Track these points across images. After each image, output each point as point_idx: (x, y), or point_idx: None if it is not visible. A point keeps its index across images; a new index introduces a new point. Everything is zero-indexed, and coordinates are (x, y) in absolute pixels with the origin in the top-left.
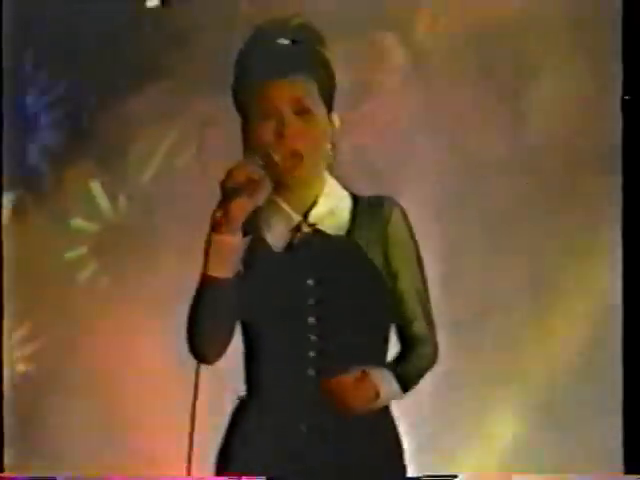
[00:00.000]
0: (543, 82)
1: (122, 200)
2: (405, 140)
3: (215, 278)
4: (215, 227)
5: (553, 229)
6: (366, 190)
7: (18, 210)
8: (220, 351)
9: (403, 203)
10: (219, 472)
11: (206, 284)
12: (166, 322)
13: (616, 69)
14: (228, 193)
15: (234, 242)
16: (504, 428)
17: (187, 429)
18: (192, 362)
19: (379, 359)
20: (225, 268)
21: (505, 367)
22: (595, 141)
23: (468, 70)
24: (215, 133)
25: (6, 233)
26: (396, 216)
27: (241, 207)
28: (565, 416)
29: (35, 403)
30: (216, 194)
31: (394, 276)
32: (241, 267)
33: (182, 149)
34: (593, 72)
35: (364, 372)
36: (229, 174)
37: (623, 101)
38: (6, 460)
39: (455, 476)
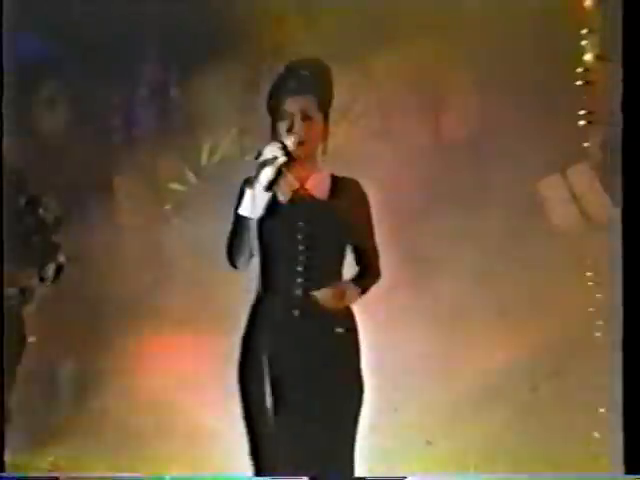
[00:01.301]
0: None
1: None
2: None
3: (245, 217)
4: (250, 185)
5: None
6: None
7: None
8: (245, 262)
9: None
10: (245, 344)
11: (238, 220)
12: None
13: None
14: (259, 164)
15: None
16: None
17: None
18: None
19: (338, 274)
20: (254, 212)
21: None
22: None
23: None
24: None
25: None
26: (357, 190)
27: (266, 174)
28: None
29: None
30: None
31: (355, 225)
32: (264, 211)
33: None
34: None
35: (339, 284)
36: (259, 152)
37: None
38: None
39: (404, 477)
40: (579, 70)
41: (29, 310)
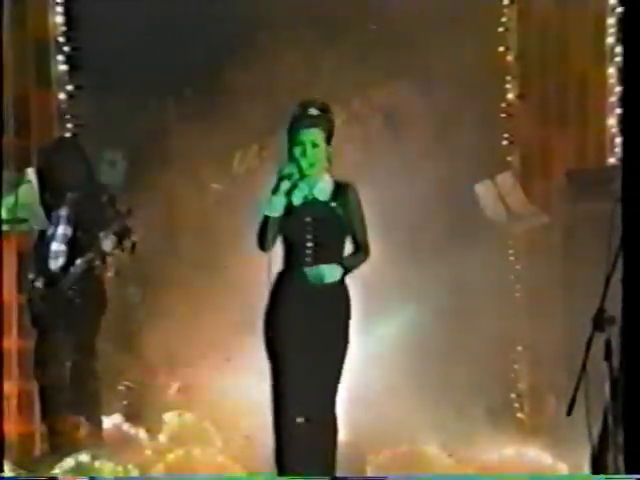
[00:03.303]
0: None
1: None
2: None
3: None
4: (273, 192)
5: None
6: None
7: None
8: (271, 246)
9: None
10: (268, 317)
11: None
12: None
13: None
14: (280, 177)
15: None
16: None
17: None
18: None
19: (339, 256)
20: (276, 212)
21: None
22: None
23: None
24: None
25: None
26: (352, 192)
27: (285, 185)
28: None
29: None
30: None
31: (350, 221)
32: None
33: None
34: None
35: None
36: (280, 169)
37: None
38: None
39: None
40: (503, 105)
41: (109, 276)
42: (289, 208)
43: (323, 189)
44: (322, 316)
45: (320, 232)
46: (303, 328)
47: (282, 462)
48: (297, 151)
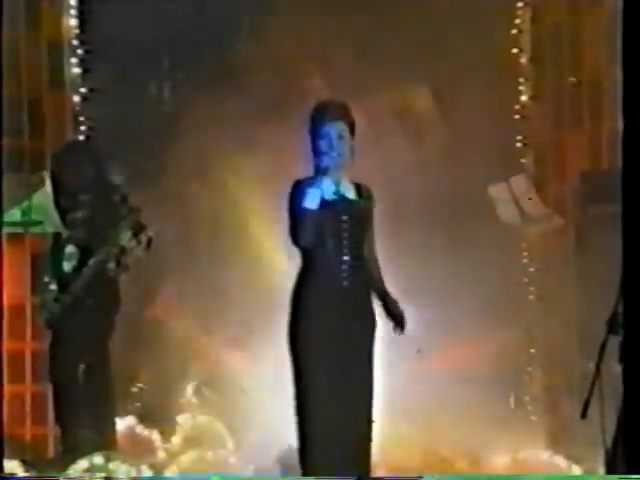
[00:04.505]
0: None
1: None
2: None
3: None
4: (311, 185)
5: None
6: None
7: None
8: (312, 241)
9: None
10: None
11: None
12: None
13: None
14: (322, 172)
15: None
16: None
17: None
18: None
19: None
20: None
21: None
22: None
23: None
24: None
25: None
26: (369, 193)
27: (323, 179)
28: None
29: None
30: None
31: (371, 223)
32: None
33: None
34: None
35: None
36: (317, 166)
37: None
38: None
39: (420, 477)
40: (517, 107)
41: (123, 276)
42: (322, 204)
43: (348, 187)
44: (351, 316)
45: (354, 230)
46: (332, 331)
47: (308, 463)
48: (323, 145)
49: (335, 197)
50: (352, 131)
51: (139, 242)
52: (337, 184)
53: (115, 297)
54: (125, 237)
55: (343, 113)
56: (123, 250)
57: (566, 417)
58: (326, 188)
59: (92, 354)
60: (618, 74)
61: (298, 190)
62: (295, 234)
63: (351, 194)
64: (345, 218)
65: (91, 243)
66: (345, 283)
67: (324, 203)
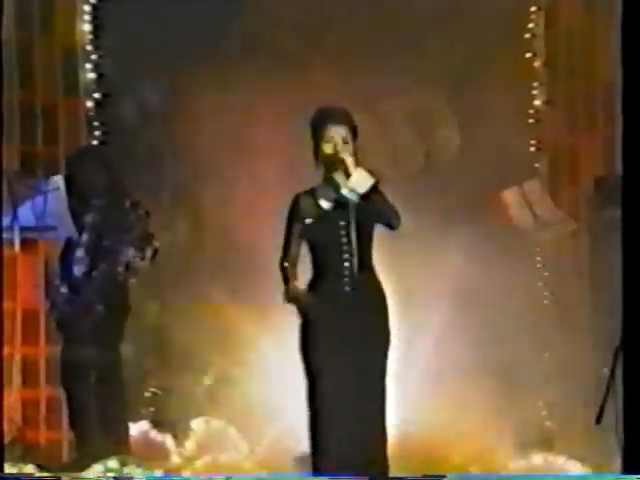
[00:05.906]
0: None
1: None
2: None
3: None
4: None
5: None
6: None
7: None
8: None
9: None
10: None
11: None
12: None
13: None
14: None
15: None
16: None
17: None
18: None
19: (370, 250)
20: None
21: None
22: None
23: None
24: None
25: None
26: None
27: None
28: None
29: None
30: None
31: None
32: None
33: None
34: None
35: None
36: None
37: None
38: None
39: (443, 476)
40: (531, 111)
41: (132, 282)
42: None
43: (353, 186)
44: (364, 313)
45: (357, 234)
46: (343, 334)
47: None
48: (327, 147)
49: (335, 203)
50: (356, 133)
51: (143, 258)
52: (337, 190)
53: (125, 301)
54: (129, 253)
55: (346, 116)
56: (127, 266)
57: (581, 422)
58: (326, 198)
59: (103, 359)
60: (618, 78)
61: (297, 204)
62: (285, 250)
63: (354, 195)
64: (343, 224)
65: (101, 248)
66: (350, 288)
67: (324, 213)
